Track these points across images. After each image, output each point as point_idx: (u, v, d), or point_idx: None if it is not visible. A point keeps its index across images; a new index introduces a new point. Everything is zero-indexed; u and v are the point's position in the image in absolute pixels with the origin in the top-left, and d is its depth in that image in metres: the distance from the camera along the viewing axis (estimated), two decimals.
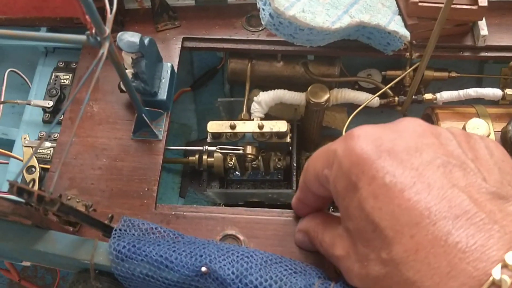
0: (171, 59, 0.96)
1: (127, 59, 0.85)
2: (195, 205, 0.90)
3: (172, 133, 1.12)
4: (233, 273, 0.65)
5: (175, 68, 0.94)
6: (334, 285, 0.65)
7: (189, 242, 0.71)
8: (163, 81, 0.89)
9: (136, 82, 0.84)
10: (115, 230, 0.70)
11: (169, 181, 1.08)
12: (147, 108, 0.85)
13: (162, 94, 0.87)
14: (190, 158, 1.06)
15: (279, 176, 1.04)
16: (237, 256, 0.67)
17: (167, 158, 1.09)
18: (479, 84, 1.07)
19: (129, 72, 0.85)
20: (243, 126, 0.90)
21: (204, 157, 1.04)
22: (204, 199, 1.06)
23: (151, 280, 0.67)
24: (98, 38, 0.67)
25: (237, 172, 1.05)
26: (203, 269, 0.64)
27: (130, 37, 0.82)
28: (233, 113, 1.05)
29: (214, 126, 0.90)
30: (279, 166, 1.02)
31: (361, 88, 1.03)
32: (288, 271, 0.66)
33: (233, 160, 1.02)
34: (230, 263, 0.66)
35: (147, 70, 0.83)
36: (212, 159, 1.04)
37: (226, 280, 0.64)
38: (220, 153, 0.91)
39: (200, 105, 1.15)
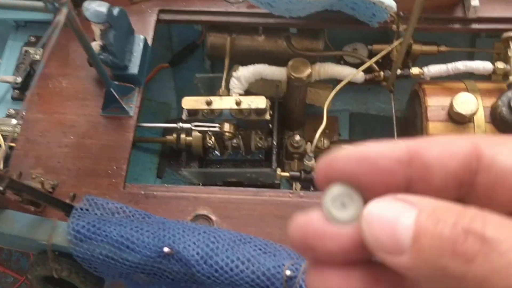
0: (145, 32, 0.91)
1: (96, 30, 0.81)
2: (166, 185, 0.86)
3: (151, 112, 1.08)
4: (198, 253, 0.61)
5: (149, 42, 0.89)
6: (305, 266, 0.61)
7: (155, 222, 0.67)
8: (134, 54, 0.84)
9: (104, 55, 0.79)
10: (76, 210, 0.66)
11: (146, 162, 1.04)
12: (117, 83, 0.81)
13: (133, 68, 0.83)
14: (168, 137, 1.01)
15: (261, 156, 1.00)
16: (203, 237, 0.63)
17: (144, 137, 1.05)
18: (471, 59, 1.02)
19: (97, 44, 0.80)
20: (219, 102, 0.85)
21: (182, 136, 1.00)
22: (182, 180, 1.02)
23: (111, 262, 0.63)
24: (56, 4, 0.62)
25: (216, 152, 1.01)
26: (166, 249, 0.61)
27: (97, 7, 0.77)
28: (213, 90, 1.00)
29: (189, 103, 0.86)
30: (260, 145, 0.98)
31: (346, 63, 0.97)
32: (257, 251, 0.63)
33: (212, 139, 0.97)
34: (195, 244, 0.62)
35: (116, 42, 0.79)
36: (191, 138, 1.00)
37: (190, 261, 0.61)
38: (195, 130, 0.86)
39: (180, 82, 1.10)
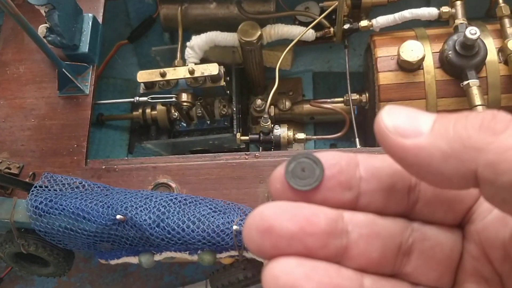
0: (95, 10, 0.91)
1: (42, 12, 0.82)
2: (126, 157, 0.88)
3: (117, 90, 1.10)
4: (150, 218, 0.64)
5: (100, 19, 0.89)
6: None
7: (111, 193, 0.70)
8: (84, 33, 0.85)
9: (52, 36, 0.81)
10: (34, 187, 0.69)
11: (116, 139, 1.07)
12: (68, 63, 0.82)
13: (84, 47, 0.84)
14: (134, 113, 1.03)
15: (226, 123, 1.02)
16: (155, 202, 0.66)
17: (112, 115, 1.07)
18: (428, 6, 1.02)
19: (44, 26, 0.82)
20: (173, 73, 0.87)
21: (148, 110, 1.02)
22: (152, 153, 1.05)
23: (71, 233, 0.66)
24: None
25: (183, 123, 1.03)
26: (118, 217, 0.64)
27: None
28: (172, 62, 1.01)
29: (144, 76, 0.87)
30: (224, 112, 0.99)
31: (301, 23, 0.98)
32: (207, 210, 0.65)
33: (177, 112, 0.99)
34: (146, 209, 0.65)
35: (62, 23, 0.80)
36: (156, 112, 1.02)
37: (142, 226, 0.64)
38: (152, 103, 0.88)
39: (142, 58, 1.12)
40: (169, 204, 0.66)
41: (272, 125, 0.87)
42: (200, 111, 0.99)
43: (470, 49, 0.78)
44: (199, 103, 0.94)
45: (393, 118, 0.20)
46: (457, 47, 0.79)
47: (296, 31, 0.90)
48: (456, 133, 0.19)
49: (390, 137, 0.20)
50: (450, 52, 0.80)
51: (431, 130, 0.19)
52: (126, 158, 0.84)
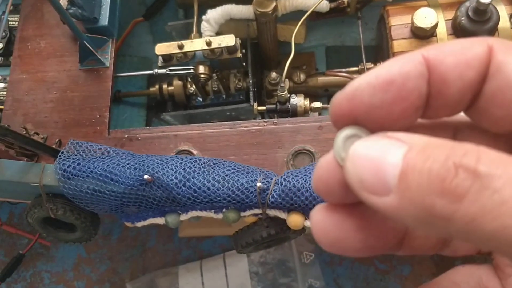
0: None
1: None
2: (148, 127, 0.90)
3: (133, 67, 1.11)
4: (176, 178, 0.66)
5: None
6: (276, 179, 0.66)
7: (135, 156, 0.72)
8: (103, 6, 0.87)
9: (73, 9, 0.82)
10: (61, 153, 0.71)
11: (134, 115, 1.09)
12: (89, 35, 0.84)
13: (104, 20, 0.86)
14: (151, 89, 1.05)
15: (241, 97, 1.04)
16: (180, 163, 0.68)
17: (130, 92, 1.09)
18: None
19: None
20: (191, 45, 0.89)
21: (164, 86, 1.04)
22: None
23: (99, 195, 0.68)
24: None
25: (199, 98, 1.05)
26: (146, 177, 0.66)
27: None
28: (187, 37, 1.03)
29: (162, 48, 0.89)
30: (239, 86, 1.01)
31: None
32: (231, 170, 0.68)
33: (193, 86, 1.01)
34: (173, 170, 0.67)
35: None
36: (172, 87, 1.03)
37: (169, 185, 0.66)
38: (170, 74, 0.90)
39: (157, 35, 1.13)
40: (194, 165, 0.68)
41: (289, 95, 0.89)
42: (216, 85, 1.00)
43: (482, 14, 0.80)
44: (215, 77, 0.96)
45: (357, 171, 0.18)
46: (469, 13, 0.80)
47: (310, 2, 0.91)
48: (420, 201, 0.16)
49: (358, 193, 0.19)
50: (463, 18, 0.81)
51: (397, 188, 0.17)
52: (147, 127, 0.85)
